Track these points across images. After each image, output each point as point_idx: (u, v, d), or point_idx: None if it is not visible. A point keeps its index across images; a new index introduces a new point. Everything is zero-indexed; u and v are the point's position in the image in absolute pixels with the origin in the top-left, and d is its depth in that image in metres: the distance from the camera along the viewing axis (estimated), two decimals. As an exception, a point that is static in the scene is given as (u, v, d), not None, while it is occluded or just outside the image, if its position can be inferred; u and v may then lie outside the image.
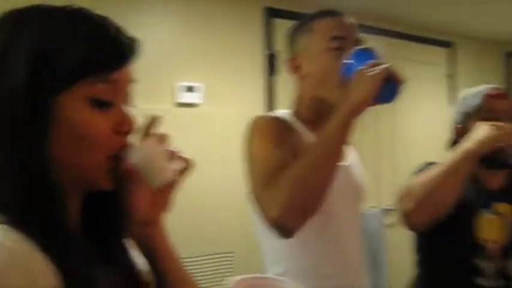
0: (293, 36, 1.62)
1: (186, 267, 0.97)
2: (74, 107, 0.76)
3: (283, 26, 3.66)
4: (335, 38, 1.51)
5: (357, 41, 1.53)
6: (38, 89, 0.74)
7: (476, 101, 1.91)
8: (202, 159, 3.39)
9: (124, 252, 0.91)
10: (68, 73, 0.76)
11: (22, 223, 0.71)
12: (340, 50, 1.50)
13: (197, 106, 3.44)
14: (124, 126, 0.82)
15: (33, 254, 0.69)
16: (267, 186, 1.34)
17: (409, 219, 1.77)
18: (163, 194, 0.89)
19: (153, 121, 0.87)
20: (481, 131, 1.74)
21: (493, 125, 1.74)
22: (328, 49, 1.51)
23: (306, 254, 1.50)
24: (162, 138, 0.86)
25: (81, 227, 0.85)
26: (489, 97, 1.91)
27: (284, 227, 1.31)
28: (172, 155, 0.88)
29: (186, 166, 0.90)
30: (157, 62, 3.25)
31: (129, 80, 0.84)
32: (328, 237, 1.52)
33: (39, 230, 0.71)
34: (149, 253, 0.91)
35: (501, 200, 1.93)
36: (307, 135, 1.54)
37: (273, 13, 3.89)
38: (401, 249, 4.38)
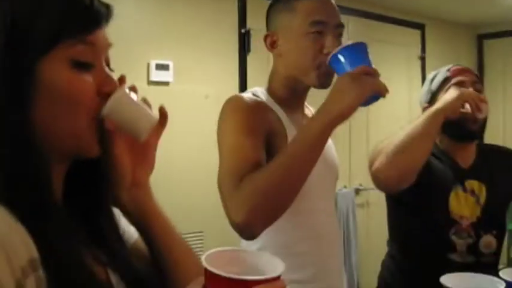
0: (273, 11, 1.59)
1: (178, 231, 0.96)
2: (56, 70, 0.76)
3: (257, 4, 3.64)
4: (316, 22, 1.49)
5: (338, 26, 1.52)
6: (17, 56, 0.74)
7: (442, 77, 1.97)
8: (175, 137, 3.38)
9: (110, 223, 0.90)
10: (45, 37, 0.75)
11: (4, 193, 0.70)
12: (320, 34, 1.49)
13: (170, 84, 3.41)
14: (106, 86, 0.81)
15: (13, 225, 0.67)
16: (235, 186, 1.31)
17: (380, 176, 1.81)
18: (146, 152, 0.90)
19: (121, 77, 0.87)
20: (448, 94, 1.83)
21: (459, 88, 1.83)
22: (308, 32, 1.49)
23: (280, 232, 1.50)
24: (133, 89, 0.87)
25: (63, 197, 0.84)
26: (454, 71, 1.97)
27: (247, 232, 1.31)
28: (146, 104, 0.88)
29: (161, 116, 0.90)
30: (131, 40, 3.20)
31: (106, 44, 0.84)
32: (302, 215, 1.52)
33: (22, 200, 0.71)
34: (139, 218, 0.91)
35: (472, 178, 1.97)
36: (281, 115, 1.53)
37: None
38: (371, 228, 4.44)
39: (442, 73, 2.00)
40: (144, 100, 0.88)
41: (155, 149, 0.92)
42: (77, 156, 0.83)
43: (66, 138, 0.79)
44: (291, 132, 1.51)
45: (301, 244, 1.54)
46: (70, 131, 0.79)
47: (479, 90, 1.93)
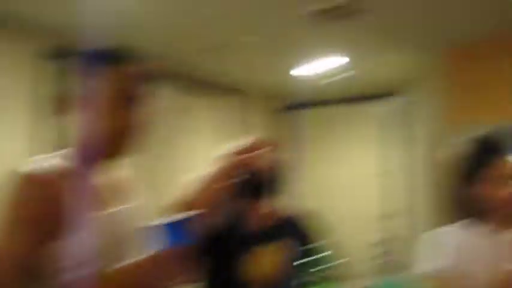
0: (69, 75, 1.50)
1: None
2: None
3: (54, 68, 3.53)
4: (118, 90, 1.45)
5: (140, 95, 1.49)
6: None
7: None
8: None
9: None
10: None
11: None
12: (121, 104, 1.45)
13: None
14: None
15: None
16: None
17: None
18: None
19: None
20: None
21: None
22: (110, 101, 1.44)
23: None
24: None
25: None
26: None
27: None
28: None
29: None
30: None
31: None
32: None
33: None
34: None
35: (267, 240, 2.03)
36: (81, 183, 1.43)
37: (44, 55, 3.71)
38: None
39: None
40: None
41: None
42: None
43: None
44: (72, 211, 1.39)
45: None
46: None
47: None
